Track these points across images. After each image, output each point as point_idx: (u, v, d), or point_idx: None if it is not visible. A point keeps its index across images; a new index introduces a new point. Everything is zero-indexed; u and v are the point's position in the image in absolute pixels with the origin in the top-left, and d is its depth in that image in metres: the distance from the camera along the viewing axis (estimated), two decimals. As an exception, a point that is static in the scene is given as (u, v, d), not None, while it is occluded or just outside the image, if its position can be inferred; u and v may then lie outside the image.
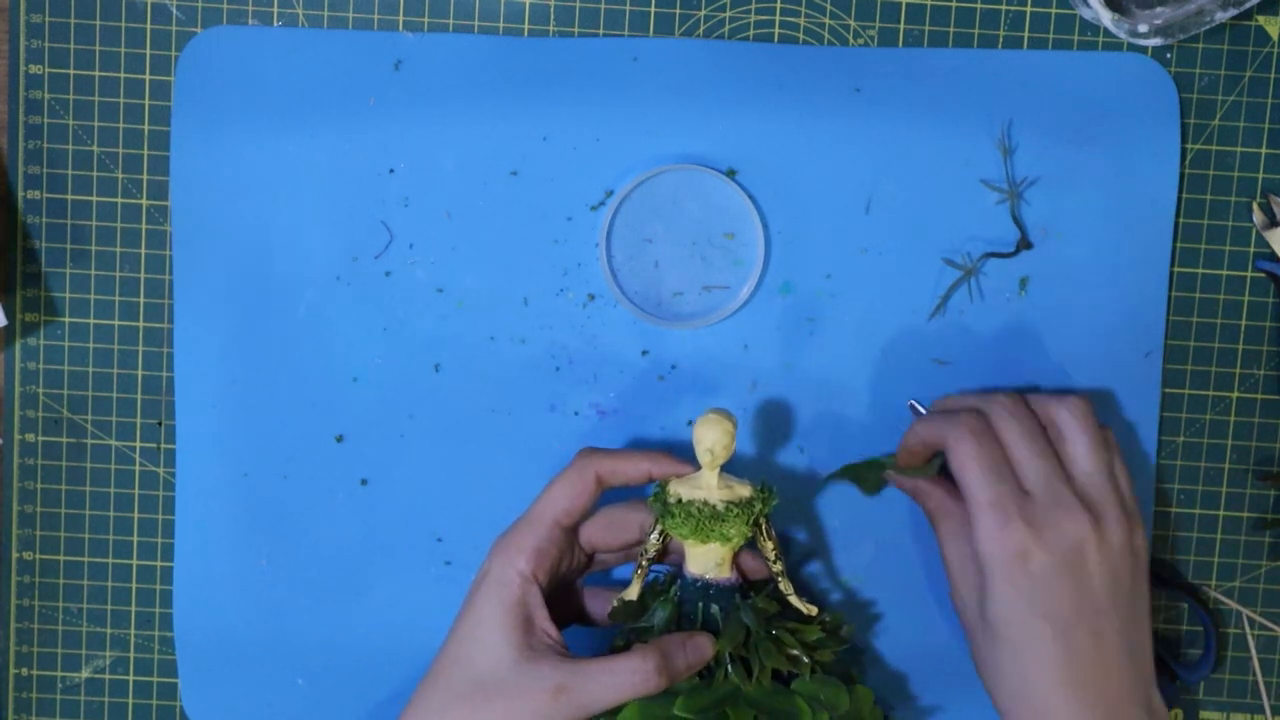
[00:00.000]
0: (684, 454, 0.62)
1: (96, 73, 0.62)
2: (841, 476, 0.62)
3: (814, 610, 0.57)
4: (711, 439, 0.54)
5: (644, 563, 0.57)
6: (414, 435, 0.63)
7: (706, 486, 0.55)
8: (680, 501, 0.55)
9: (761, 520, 0.56)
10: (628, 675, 0.52)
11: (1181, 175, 0.63)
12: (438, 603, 0.64)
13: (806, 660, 0.55)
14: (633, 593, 0.57)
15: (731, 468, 0.64)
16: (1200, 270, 0.64)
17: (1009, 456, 0.56)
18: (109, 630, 0.64)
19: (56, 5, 0.61)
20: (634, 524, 0.58)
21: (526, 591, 0.54)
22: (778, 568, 0.57)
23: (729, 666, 0.54)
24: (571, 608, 0.59)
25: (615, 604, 0.57)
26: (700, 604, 0.55)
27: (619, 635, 0.57)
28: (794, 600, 0.57)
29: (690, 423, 0.61)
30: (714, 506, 0.55)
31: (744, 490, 0.56)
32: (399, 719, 0.54)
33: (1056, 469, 0.55)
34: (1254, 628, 0.66)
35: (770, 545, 0.57)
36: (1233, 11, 0.58)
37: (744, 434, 0.64)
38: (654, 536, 0.57)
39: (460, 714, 0.52)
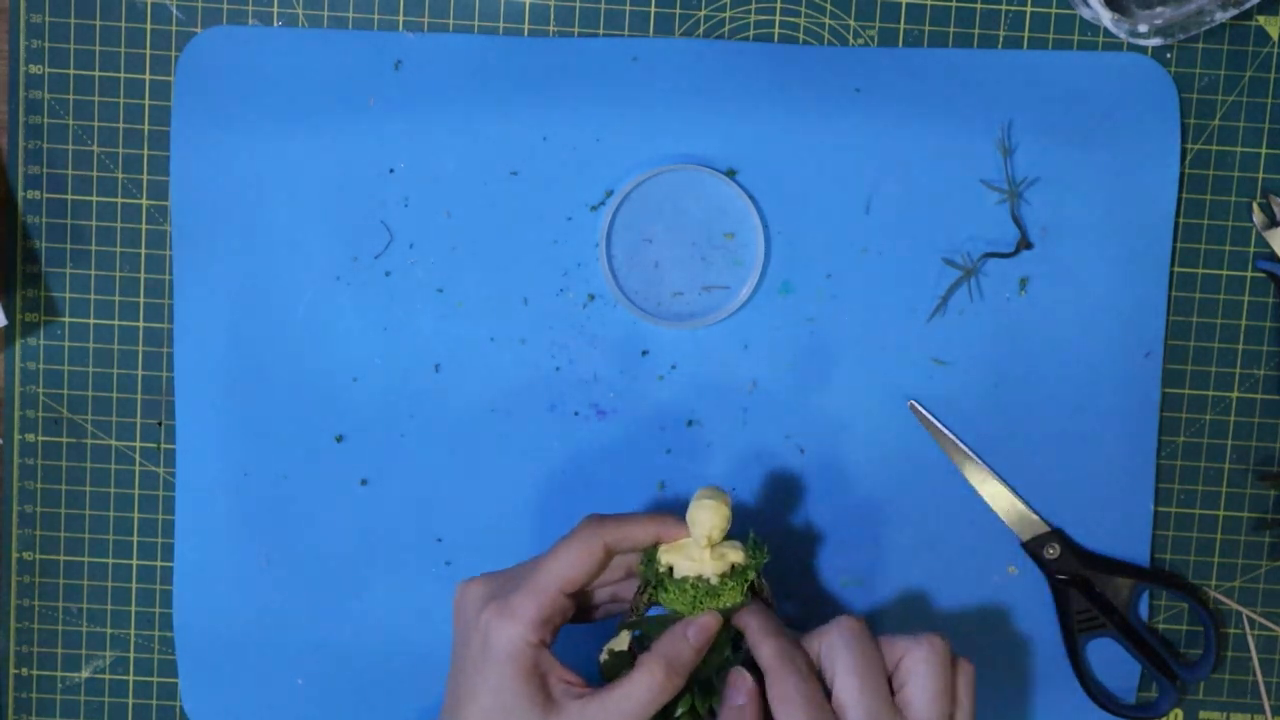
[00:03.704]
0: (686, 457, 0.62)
1: (96, 73, 0.62)
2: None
3: None
4: (709, 524, 0.53)
5: (632, 618, 0.55)
6: (414, 435, 0.63)
7: (699, 558, 0.54)
8: (673, 576, 0.54)
9: (754, 579, 0.55)
10: (645, 694, 0.52)
11: (1181, 175, 0.63)
12: (438, 603, 0.64)
13: None
14: (622, 643, 0.55)
15: (727, 466, 0.64)
16: (1200, 270, 0.64)
17: (835, 693, 0.51)
18: (109, 630, 0.64)
19: (56, 5, 0.61)
20: (620, 565, 0.56)
21: (539, 657, 0.53)
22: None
23: None
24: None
25: (605, 656, 0.55)
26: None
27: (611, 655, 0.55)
28: None
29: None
30: (709, 581, 0.54)
31: (735, 555, 0.54)
32: None
33: (885, 710, 0.51)
34: (1254, 628, 0.66)
35: (766, 594, 0.56)
36: (1233, 11, 0.58)
37: (744, 435, 0.63)
38: (644, 598, 0.55)
39: None
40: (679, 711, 0.53)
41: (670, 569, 0.54)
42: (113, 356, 0.63)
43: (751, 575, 0.54)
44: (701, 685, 0.54)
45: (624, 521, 0.55)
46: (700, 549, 0.54)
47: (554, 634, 0.54)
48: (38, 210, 0.62)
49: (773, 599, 0.56)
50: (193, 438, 0.63)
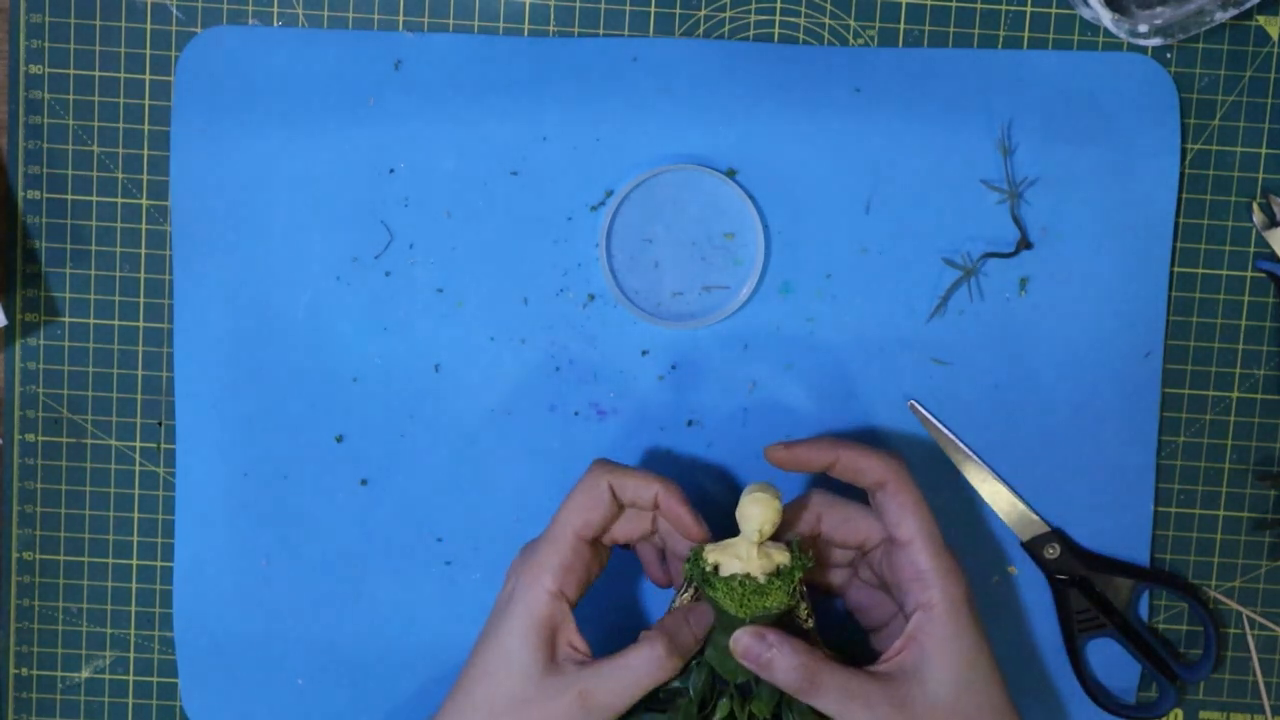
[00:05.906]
0: (690, 461, 0.62)
1: (96, 73, 0.62)
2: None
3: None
4: (759, 519, 0.53)
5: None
6: (414, 435, 0.63)
7: (746, 557, 0.54)
8: (718, 573, 0.54)
9: (798, 585, 0.55)
10: (643, 666, 0.53)
11: (1181, 175, 0.63)
12: (438, 603, 0.64)
13: None
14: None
15: (727, 466, 0.64)
16: (1200, 270, 0.64)
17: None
18: (109, 630, 0.64)
19: (56, 5, 0.61)
20: (646, 518, 0.57)
21: (553, 609, 0.54)
22: (809, 625, 0.56)
23: None
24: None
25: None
26: (734, 665, 0.54)
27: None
28: None
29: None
30: (757, 580, 0.54)
31: (780, 556, 0.54)
32: None
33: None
34: (1254, 628, 0.66)
35: (804, 606, 0.56)
36: (1233, 11, 0.58)
37: (744, 435, 0.63)
38: (687, 595, 0.56)
39: None
40: (718, 716, 0.54)
41: (716, 567, 0.54)
42: (113, 356, 0.63)
43: (798, 576, 0.54)
44: (740, 689, 0.55)
45: (628, 473, 0.56)
46: (748, 545, 0.54)
47: (578, 587, 0.55)
48: (38, 210, 0.62)
49: (813, 614, 0.56)
50: (193, 438, 0.63)
